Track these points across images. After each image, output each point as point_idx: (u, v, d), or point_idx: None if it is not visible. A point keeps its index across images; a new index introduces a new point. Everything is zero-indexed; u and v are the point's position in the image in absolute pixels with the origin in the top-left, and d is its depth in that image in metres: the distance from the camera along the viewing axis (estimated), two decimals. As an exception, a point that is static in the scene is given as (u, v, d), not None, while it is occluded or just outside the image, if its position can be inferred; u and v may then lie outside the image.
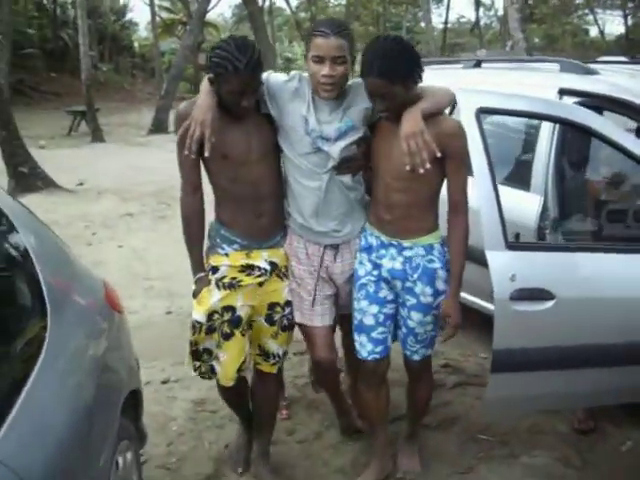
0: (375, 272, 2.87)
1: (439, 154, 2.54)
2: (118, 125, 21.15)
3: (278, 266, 2.92)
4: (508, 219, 3.49)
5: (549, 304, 2.76)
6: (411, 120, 2.55)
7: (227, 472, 3.25)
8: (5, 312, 2.00)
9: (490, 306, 3.21)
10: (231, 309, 2.84)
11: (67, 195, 10.17)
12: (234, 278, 2.84)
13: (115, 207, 9.34)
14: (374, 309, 2.89)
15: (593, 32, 39.87)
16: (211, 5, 23.88)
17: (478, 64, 4.76)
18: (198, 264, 2.88)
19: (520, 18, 12.36)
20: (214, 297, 2.83)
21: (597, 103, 3.67)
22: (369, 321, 2.90)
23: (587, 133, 3.04)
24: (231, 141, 2.69)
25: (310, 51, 2.61)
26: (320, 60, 2.57)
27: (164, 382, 4.13)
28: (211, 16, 33.70)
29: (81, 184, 10.94)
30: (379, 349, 2.93)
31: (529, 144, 4.06)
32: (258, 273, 2.87)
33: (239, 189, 2.77)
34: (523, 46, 12.49)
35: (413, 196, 2.73)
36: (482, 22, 43.21)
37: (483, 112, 2.79)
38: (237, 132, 2.70)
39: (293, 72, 2.83)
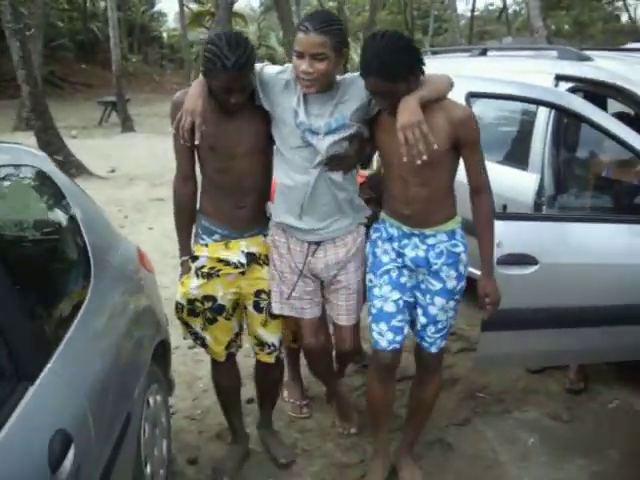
0: (399, 259, 2.84)
1: (436, 146, 2.47)
2: (148, 115, 21.59)
3: (256, 255, 2.92)
4: (508, 196, 3.85)
5: (533, 269, 3.08)
6: (407, 110, 2.47)
7: (248, 423, 3.59)
8: (58, 265, 2.44)
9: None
10: (211, 299, 2.89)
11: (100, 182, 10.61)
12: (212, 268, 2.87)
13: (145, 192, 9.77)
14: (396, 295, 2.84)
15: (624, 18, 39.59)
16: (238, -5, 24.15)
17: (484, 52, 5.06)
18: (184, 248, 2.94)
19: (540, 7, 12.45)
20: (192, 284, 2.88)
21: (588, 88, 4.00)
22: (390, 308, 2.84)
23: (563, 111, 3.36)
24: (220, 134, 2.68)
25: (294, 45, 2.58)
26: (300, 55, 2.52)
27: (191, 347, 4.48)
28: (239, 6, 33.96)
29: (113, 171, 11.39)
30: (399, 338, 2.87)
31: (527, 127, 4.34)
32: (234, 266, 2.87)
33: (224, 180, 2.78)
34: (544, 34, 12.58)
35: (433, 188, 2.69)
36: (511, 9, 43.06)
37: (473, 96, 3.11)
38: (228, 125, 2.69)
39: (286, 64, 2.78)
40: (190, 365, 4.32)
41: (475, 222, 2.78)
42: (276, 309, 2.98)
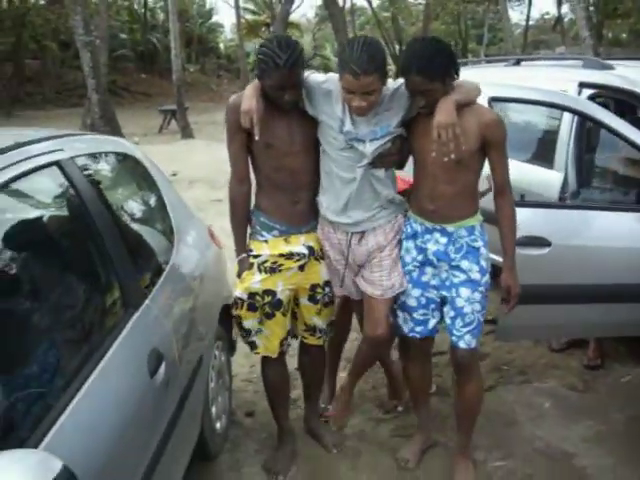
0: (420, 257, 3.06)
1: (464, 147, 2.74)
2: (206, 123, 22.38)
3: (314, 249, 3.12)
4: (536, 192, 4.31)
5: (547, 249, 3.53)
6: (445, 111, 2.72)
7: (296, 385, 4.09)
8: (152, 233, 3.09)
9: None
10: (271, 293, 3.06)
11: (163, 184, 11.31)
12: (275, 262, 3.04)
13: (205, 194, 10.42)
14: (417, 292, 3.10)
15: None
16: (294, 6, 24.61)
17: (518, 62, 5.51)
18: (241, 246, 3.11)
19: (587, 17, 12.76)
20: (255, 278, 3.04)
21: (609, 93, 4.44)
22: (411, 303, 3.12)
23: (576, 114, 3.81)
24: (275, 132, 2.89)
25: (340, 80, 2.73)
26: (350, 92, 2.70)
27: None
28: (294, 17, 34.84)
29: (175, 175, 12.07)
30: (419, 329, 3.15)
31: (553, 131, 4.79)
32: (297, 258, 3.06)
33: (280, 177, 2.98)
34: (590, 43, 12.84)
35: (459, 186, 2.91)
36: (567, 18, 42.87)
37: (494, 100, 3.57)
38: (281, 124, 2.90)
39: (329, 74, 3.00)
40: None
41: (499, 220, 3.02)
42: (339, 291, 3.29)
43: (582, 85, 4.44)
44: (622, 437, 3.57)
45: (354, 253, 3.12)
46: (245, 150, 2.99)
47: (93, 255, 2.26)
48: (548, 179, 4.58)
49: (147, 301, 2.42)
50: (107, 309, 2.25)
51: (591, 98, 4.38)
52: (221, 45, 45.61)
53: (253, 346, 3.23)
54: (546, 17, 49.82)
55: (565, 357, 4.49)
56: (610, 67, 4.69)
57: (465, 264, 2.98)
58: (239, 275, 3.09)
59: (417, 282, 3.09)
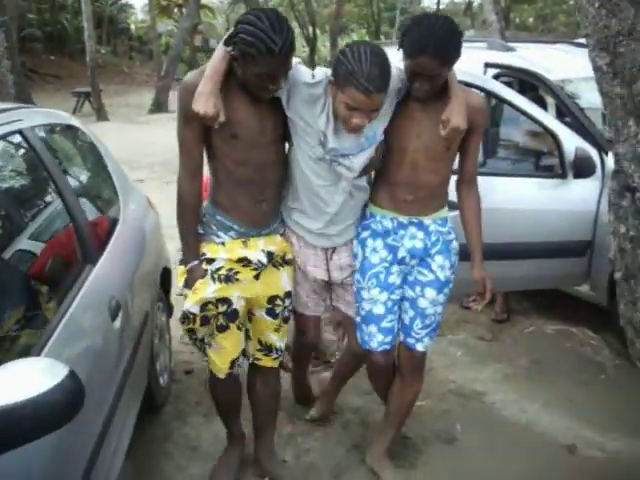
0: (390, 257, 2.79)
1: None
2: (120, 106, 22.19)
3: (274, 255, 2.74)
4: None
5: (456, 212, 3.91)
6: (461, 113, 2.51)
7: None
8: (102, 197, 3.34)
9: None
10: (227, 301, 2.65)
11: (82, 165, 11.34)
12: (231, 269, 2.64)
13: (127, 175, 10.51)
14: (384, 296, 2.79)
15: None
16: (207, -12, 24.60)
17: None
18: (193, 251, 2.67)
19: (494, 1, 13.33)
20: (209, 288, 2.62)
21: (512, 73, 4.87)
22: (379, 310, 2.81)
23: (485, 92, 4.21)
24: (244, 121, 2.46)
25: (341, 94, 2.35)
26: (353, 109, 2.36)
27: (179, 295, 5.27)
28: (207, -2, 34.52)
29: (93, 156, 12.11)
30: (388, 339, 2.85)
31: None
32: (254, 266, 2.67)
33: (246, 172, 2.55)
34: (497, 27, 13.39)
35: (441, 175, 2.71)
36: (476, 3, 43.98)
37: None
38: (249, 112, 2.46)
39: (320, 72, 2.52)
40: (182, 304, 5.09)
41: (465, 210, 2.88)
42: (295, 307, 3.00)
43: (487, 65, 4.84)
44: (525, 378, 4.06)
45: (329, 268, 2.92)
46: (201, 139, 2.51)
47: (59, 216, 2.51)
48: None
49: (103, 256, 2.68)
50: (73, 260, 2.51)
51: (495, 77, 4.79)
52: (132, 26, 44.66)
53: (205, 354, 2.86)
54: (456, 1, 50.98)
55: (475, 313, 4.90)
56: (512, 49, 5.14)
57: (439, 259, 2.81)
58: (189, 285, 2.66)
59: (384, 285, 2.80)
